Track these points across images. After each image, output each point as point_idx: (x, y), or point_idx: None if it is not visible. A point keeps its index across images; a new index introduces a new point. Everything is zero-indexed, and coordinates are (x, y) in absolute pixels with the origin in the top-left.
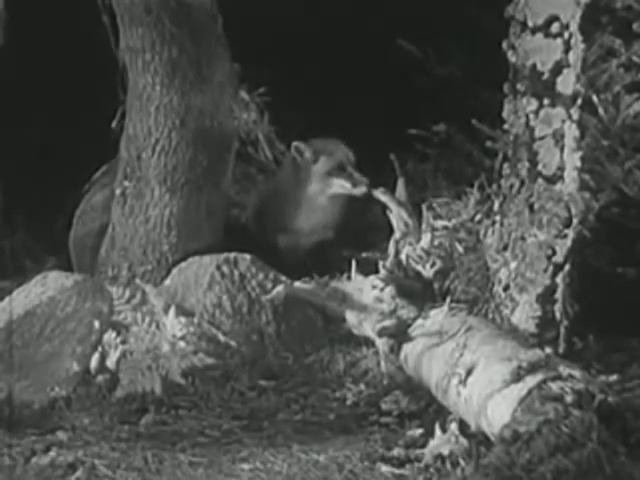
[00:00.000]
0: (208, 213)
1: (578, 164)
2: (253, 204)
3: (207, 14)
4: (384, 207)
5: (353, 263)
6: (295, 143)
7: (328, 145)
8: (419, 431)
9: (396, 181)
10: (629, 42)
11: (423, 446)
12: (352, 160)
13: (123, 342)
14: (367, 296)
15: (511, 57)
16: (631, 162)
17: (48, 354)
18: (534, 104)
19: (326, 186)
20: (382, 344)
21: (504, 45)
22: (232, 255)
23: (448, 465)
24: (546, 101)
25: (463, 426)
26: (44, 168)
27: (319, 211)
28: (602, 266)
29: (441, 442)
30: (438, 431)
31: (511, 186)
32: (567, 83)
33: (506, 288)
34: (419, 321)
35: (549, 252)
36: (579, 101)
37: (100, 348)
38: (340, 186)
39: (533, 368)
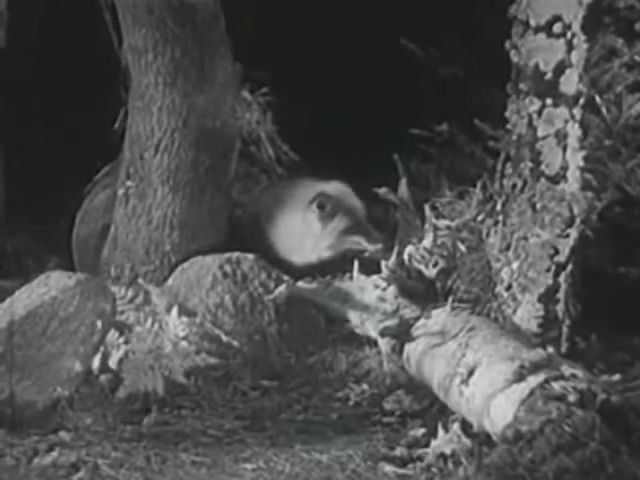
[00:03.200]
0: (211, 213)
1: (581, 164)
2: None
3: (210, 14)
4: (387, 207)
5: (355, 263)
6: (320, 197)
7: (345, 201)
8: (421, 431)
9: (399, 181)
10: (632, 42)
11: (426, 446)
12: (365, 215)
13: (126, 342)
14: (369, 296)
15: (514, 57)
16: (634, 161)
17: (50, 354)
18: (537, 104)
19: (339, 243)
20: (384, 344)
21: (507, 45)
22: (235, 255)
23: (450, 465)
24: (549, 101)
25: (465, 426)
26: (47, 168)
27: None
28: (604, 266)
29: (444, 442)
30: (441, 431)
31: (514, 186)
32: (570, 83)
33: (508, 288)
34: (421, 321)
35: (551, 252)
36: (582, 101)
37: (103, 348)
38: (355, 243)
39: (535, 368)
